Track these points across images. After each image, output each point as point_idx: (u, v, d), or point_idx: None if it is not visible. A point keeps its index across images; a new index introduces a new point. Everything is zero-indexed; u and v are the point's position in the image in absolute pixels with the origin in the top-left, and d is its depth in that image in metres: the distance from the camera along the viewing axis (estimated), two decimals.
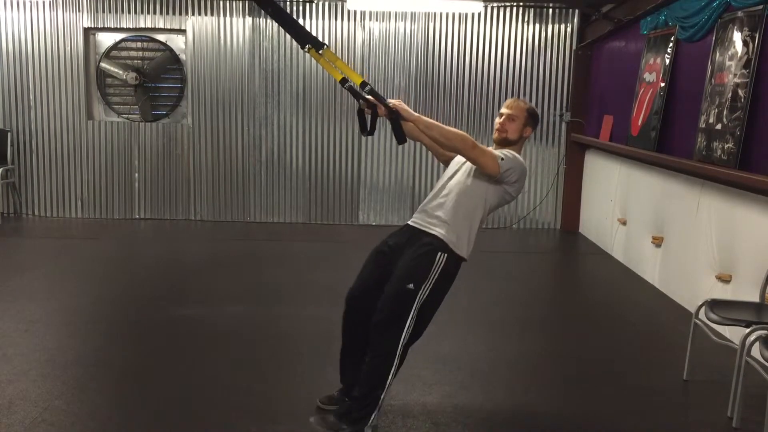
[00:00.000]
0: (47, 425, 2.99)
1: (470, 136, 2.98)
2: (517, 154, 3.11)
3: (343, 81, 3.02)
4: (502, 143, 3.17)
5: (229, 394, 3.36)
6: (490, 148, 3.08)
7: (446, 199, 3.08)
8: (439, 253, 2.99)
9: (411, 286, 2.94)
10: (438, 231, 3.03)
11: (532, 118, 3.19)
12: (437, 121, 3.00)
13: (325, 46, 3.04)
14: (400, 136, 2.98)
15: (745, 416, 3.15)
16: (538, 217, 7.85)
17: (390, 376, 2.94)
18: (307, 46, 3.03)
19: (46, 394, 3.29)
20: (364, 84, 2.95)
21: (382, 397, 2.95)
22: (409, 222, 3.18)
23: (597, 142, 6.97)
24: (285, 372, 3.66)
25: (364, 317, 3.01)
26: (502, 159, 2.99)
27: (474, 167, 3.04)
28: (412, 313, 2.94)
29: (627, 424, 3.22)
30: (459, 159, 3.19)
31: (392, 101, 2.94)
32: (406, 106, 2.95)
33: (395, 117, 2.92)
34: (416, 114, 2.95)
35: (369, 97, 2.95)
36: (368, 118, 3.06)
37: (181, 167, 7.77)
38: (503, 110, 3.21)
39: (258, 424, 3.07)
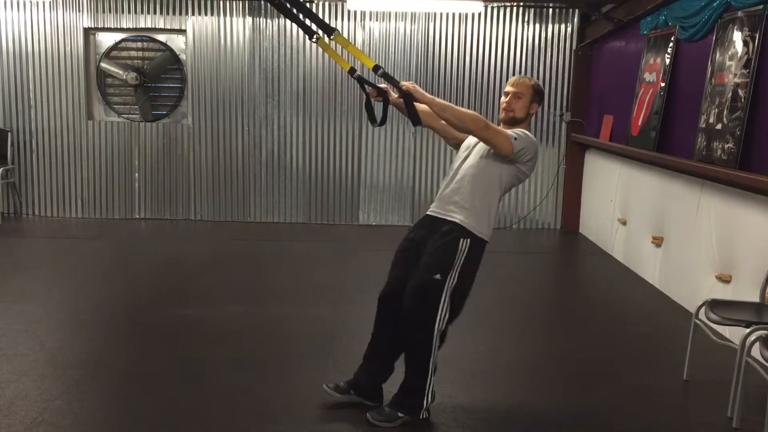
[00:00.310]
0: (47, 425, 2.99)
1: (482, 116, 2.98)
2: (528, 133, 3.10)
3: (352, 71, 3.00)
4: (510, 122, 3.15)
5: (229, 394, 3.36)
6: (501, 128, 3.08)
7: (461, 183, 3.08)
8: (462, 240, 2.99)
9: (438, 276, 2.95)
10: (457, 217, 3.03)
11: (537, 94, 3.18)
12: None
13: (336, 32, 3.03)
14: (415, 118, 2.97)
15: (745, 416, 3.14)
16: (538, 217, 7.85)
17: (431, 364, 2.99)
18: (315, 36, 3.02)
19: (46, 394, 3.29)
20: (377, 67, 2.93)
21: (430, 383, 3.01)
22: (428, 212, 3.18)
23: (597, 142, 6.97)
24: (285, 372, 3.66)
25: (396, 317, 3.04)
26: (515, 139, 2.98)
27: (486, 149, 3.03)
28: (442, 302, 2.96)
29: (627, 424, 3.22)
30: (469, 142, 3.18)
31: (405, 83, 2.94)
32: (419, 88, 2.95)
33: (408, 99, 2.91)
34: (430, 95, 2.95)
35: (382, 84, 2.94)
36: (378, 107, 3.05)
37: (181, 167, 7.77)
38: (508, 88, 3.17)
39: (258, 424, 3.06)
